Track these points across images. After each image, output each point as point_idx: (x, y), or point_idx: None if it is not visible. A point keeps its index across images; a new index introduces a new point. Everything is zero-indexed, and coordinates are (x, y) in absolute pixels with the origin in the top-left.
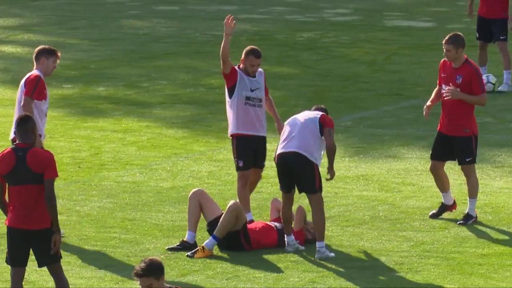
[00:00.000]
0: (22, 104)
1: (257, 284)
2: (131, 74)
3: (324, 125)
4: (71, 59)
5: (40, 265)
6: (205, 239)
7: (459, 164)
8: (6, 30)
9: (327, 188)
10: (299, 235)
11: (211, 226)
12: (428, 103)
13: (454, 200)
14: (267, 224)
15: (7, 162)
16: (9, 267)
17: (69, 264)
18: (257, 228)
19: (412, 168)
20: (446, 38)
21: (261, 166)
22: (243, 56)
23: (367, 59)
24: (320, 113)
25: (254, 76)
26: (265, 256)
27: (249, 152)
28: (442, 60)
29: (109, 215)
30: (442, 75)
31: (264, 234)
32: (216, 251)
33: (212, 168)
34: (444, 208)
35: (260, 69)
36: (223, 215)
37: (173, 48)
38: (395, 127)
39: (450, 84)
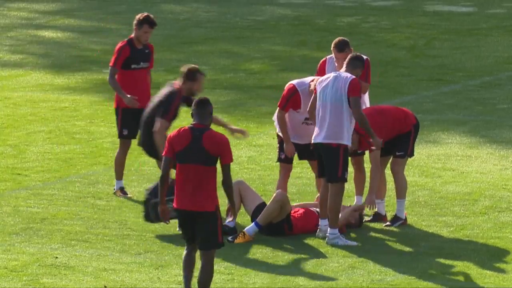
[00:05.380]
0: None
1: (296, 269)
2: (171, 59)
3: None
4: (112, 43)
5: (200, 247)
6: (244, 225)
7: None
8: (46, 15)
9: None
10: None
11: (254, 215)
12: None
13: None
14: (308, 209)
15: (183, 139)
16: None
17: (109, 249)
18: (299, 214)
19: (452, 153)
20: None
21: None
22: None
23: (407, 44)
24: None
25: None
26: (305, 241)
27: None
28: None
29: None
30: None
31: (306, 220)
32: (256, 234)
33: (252, 153)
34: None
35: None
36: (268, 204)
37: (213, 33)
38: (435, 113)
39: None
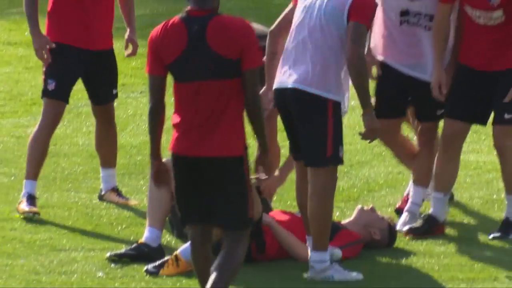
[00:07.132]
0: None
1: None
2: None
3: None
4: None
5: (225, 226)
6: (177, 243)
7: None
8: None
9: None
10: (349, 236)
11: None
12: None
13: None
14: (295, 216)
15: (174, 42)
16: None
17: None
18: (280, 223)
19: None
20: None
21: None
22: None
23: None
24: None
25: None
26: (284, 266)
27: None
28: None
29: None
30: None
31: (291, 231)
32: None
33: None
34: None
35: None
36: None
37: None
38: None
39: None
